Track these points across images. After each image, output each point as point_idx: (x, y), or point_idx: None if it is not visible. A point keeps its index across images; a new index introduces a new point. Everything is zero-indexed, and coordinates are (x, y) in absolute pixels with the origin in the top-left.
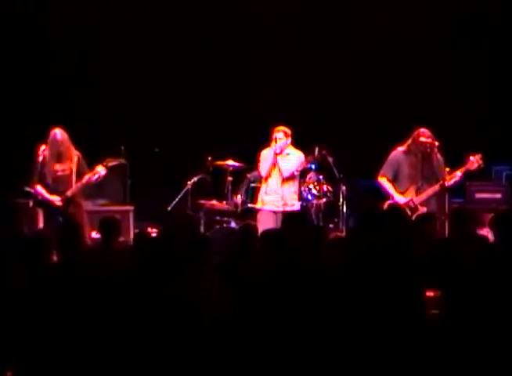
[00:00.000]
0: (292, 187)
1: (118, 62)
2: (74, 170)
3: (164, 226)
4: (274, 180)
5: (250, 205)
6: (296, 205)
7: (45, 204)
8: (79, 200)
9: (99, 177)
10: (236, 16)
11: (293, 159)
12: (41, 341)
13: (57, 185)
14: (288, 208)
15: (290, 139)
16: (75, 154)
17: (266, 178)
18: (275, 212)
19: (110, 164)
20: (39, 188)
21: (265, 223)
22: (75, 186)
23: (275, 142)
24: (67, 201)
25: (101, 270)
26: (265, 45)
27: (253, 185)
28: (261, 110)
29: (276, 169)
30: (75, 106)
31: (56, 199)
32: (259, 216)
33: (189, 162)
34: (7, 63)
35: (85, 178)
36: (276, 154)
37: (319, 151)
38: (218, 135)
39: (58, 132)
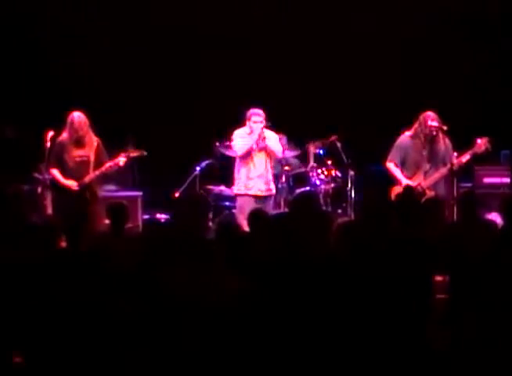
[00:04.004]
0: (272, 170)
1: (127, 48)
2: (93, 156)
3: (175, 211)
4: (258, 164)
5: (235, 191)
6: (274, 189)
7: (56, 190)
8: (96, 189)
9: (119, 167)
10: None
11: (273, 142)
12: (50, 327)
13: (76, 171)
14: (269, 193)
15: (265, 122)
16: (95, 140)
17: (245, 160)
18: (258, 197)
19: (132, 154)
20: (55, 172)
21: (247, 208)
22: (93, 174)
23: (260, 126)
24: (84, 188)
25: (109, 256)
26: (268, 31)
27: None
28: (268, 96)
29: (261, 153)
30: (83, 93)
31: (73, 184)
32: (241, 202)
33: (197, 148)
34: (16, 48)
35: (105, 166)
36: (263, 140)
37: (328, 137)
38: (225, 120)
39: (76, 116)
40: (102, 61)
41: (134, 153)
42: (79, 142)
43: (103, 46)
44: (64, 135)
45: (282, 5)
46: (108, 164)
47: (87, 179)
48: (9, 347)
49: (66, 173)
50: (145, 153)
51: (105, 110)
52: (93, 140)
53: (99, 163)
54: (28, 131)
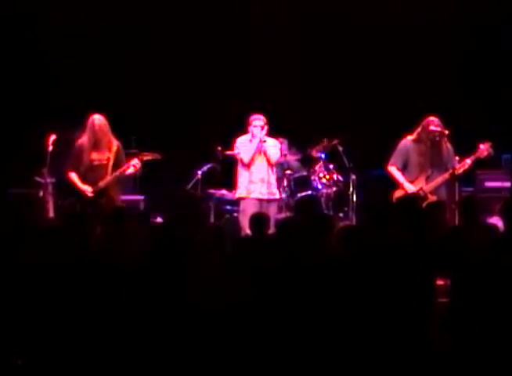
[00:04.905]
0: (274, 175)
1: (128, 49)
2: (112, 160)
3: (170, 211)
4: (259, 168)
5: (236, 195)
6: (277, 193)
7: (70, 193)
8: (112, 193)
9: (134, 171)
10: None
11: (272, 146)
12: (52, 327)
13: (92, 174)
14: (272, 197)
15: (266, 127)
16: (115, 144)
17: (249, 166)
18: (260, 200)
19: (146, 158)
20: (73, 176)
21: (250, 212)
22: (109, 178)
23: (260, 129)
24: (99, 192)
25: (109, 258)
26: (269, 33)
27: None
28: (270, 100)
29: (262, 157)
30: (86, 96)
31: (88, 189)
32: (244, 205)
33: (199, 152)
34: (16, 48)
35: (119, 170)
36: (262, 142)
37: (329, 141)
38: (227, 124)
39: (96, 118)
40: (103, 61)
41: (147, 157)
42: (98, 146)
43: (103, 46)
44: (84, 139)
45: (282, 8)
46: (122, 169)
47: (102, 184)
48: (11, 348)
49: (82, 176)
50: (159, 157)
51: (105, 111)
52: (113, 144)
53: (117, 167)
54: (28, 132)
